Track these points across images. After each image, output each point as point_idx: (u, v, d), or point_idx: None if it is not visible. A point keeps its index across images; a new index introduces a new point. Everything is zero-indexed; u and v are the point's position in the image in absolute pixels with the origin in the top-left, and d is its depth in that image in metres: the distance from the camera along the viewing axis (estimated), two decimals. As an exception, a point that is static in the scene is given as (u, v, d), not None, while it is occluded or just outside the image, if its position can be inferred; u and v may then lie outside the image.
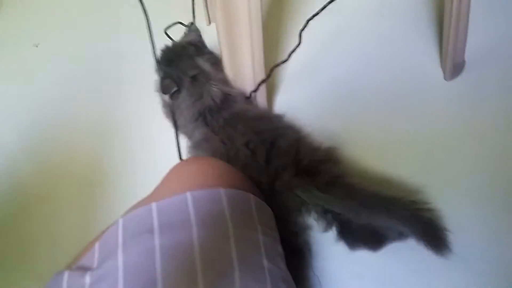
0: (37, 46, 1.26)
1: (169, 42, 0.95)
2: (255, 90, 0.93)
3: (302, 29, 0.80)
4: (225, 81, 0.88)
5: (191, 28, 0.91)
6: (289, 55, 0.88)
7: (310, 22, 0.84)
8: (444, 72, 1.01)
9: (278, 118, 0.88)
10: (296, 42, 0.86)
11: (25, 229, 0.88)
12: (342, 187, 0.74)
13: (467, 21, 0.93)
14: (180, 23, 0.95)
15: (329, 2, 0.76)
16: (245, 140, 0.77)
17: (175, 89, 0.83)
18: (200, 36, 0.92)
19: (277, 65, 0.91)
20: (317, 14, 0.77)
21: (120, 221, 0.55)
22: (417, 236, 0.69)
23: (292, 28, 1.16)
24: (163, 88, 0.83)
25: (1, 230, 0.88)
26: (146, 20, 0.85)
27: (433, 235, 0.69)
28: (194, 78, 0.83)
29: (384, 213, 0.69)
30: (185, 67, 0.83)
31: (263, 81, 0.93)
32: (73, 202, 0.91)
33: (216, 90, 0.84)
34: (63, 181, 0.95)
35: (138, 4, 0.83)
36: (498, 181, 0.81)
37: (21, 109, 1.11)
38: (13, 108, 1.11)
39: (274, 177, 0.74)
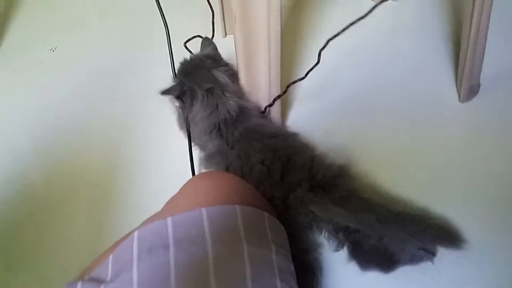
0: (53, 51, 1.27)
1: (187, 55, 0.96)
2: (270, 105, 0.94)
3: (322, 49, 0.80)
4: (241, 94, 0.88)
5: (205, 42, 0.92)
6: (307, 73, 0.88)
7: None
8: (459, 94, 1.01)
9: (293, 135, 0.89)
10: (314, 61, 0.86)
11: (35, 233, 0.88)
12: (358, 201, 0.74)
13: (485, 44, 0.93)
14: (199, 36, 0.96)
15: (352, 24, 0.77)
16: (261, 158, 0.78)
17: (176, 93, 0.83)
18: (215, 48, 0.93)
19: (294, 82, 0.92)
20: (338, 34, 0.77)
21: (135, 234, 0.55)
22: (432, 242, 0.69)
23: (310, 45, 1.17)
24: (167, 90, 0.83)
25: (11, 234, 0.89)
26: (166, 31, 0.85)
27: (447, 234, 0.72)
28: (209, 91, 0.83)
29: (400, 229, 0.69)
30: (201, 79, 0.83)
31: (278, 97, 0.93)
32: (85, 207, 0.92)
33: (232, 103, 0.84)
34: (75, 186, 0.95)
35: (157, 12, 0.84)
36: (509, 202, 0.82)
37: (34, 113, 1.11)
38: (26, 112, 1.12)
39: (288, 192, 0.74)
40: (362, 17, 0.77)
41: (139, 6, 1.35)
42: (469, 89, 0.99)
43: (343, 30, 0.77)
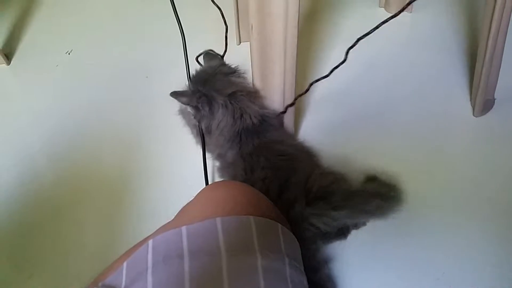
0: (69, 54, 1.29)
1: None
2: (290, 105, 0.93)
3: (351, 47, 0.79)
4: (261, 100, 0.88)
5: (208, 56, 0.92)
6: (331, 71, 0.86)
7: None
8: (473, 108, 1.00)
9: (303, 153, 0.88)
10: (328, 70, 0.86)
11: (47, 238, 0.89)
12: (357, 194, 0.76)
13: (501, 60, 0.93)
14: (211, 51, 0.96)
15: (367, 34, 0.77)
16: (263, 175, 0.79)
17: (193, 102, 0.83)
18: (220, 58, 0.93)
19: (318, 80, 0.90)
20: (367, 34, 0.76)
21: (150, 243, 0.55)
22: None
23: (324, 55, 1.17)
24: (181, 93, 0.83)
25: (23, 238, 0.89)
26: (182, 38, 0.85)
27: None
28: (232, 96, 0.83)
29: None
30: (220, 85, 0.83)
31: (301, 94, 0.92)
32: (97, 213, 0.92)
33: (255, 108, 0.84)
34: (87, 191, 0.96)
35: (172, 17, 0.84)
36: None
37: (49, 117, 1.12)
38: (41, 115, 1.13)
39: (287, 208, 0.74)
40: (377, 27, 0.76)
41: (154, 10, 1.36)
42: (483, 104, 0.98)
43: (362, 37, 0.76)
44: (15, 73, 1.27)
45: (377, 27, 0.76)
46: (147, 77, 1.18)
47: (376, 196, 0.74)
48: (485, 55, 0.91)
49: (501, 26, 0.87)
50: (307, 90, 0.92)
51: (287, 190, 0.77)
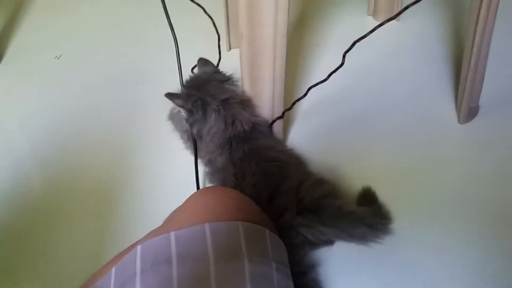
0: (58, 58, 1.29)
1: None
2: (279, 118, 0.94)
3: (347, 51, 0.80)
4: (253, 107, 0.89)
5: (201, 61, 0.93)
6: (329, 75, 0.87)
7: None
8: (458, 115, 1.02)
9: (292, 160, 0.89)
10: (318, 78, 0.88)
11: (37, 242, 0.89)
12: (346, 216, 0.76)
13: (485, 67, 0.95)
14: (203, 59, 0.97)
15: (356, 42, 0.78)
16: (254, 181, 0.79)
17: (188, 105, 0.83)
18: (215, 66, 0.94)
19: (315, 85, 0.90)
20: (363, 37, 0.78)
21: (139, 248, 0.56)
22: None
23: (312, 63, 1.19)
24: (175, 95, 0.83)
25: (13, 242, 0.89)
26: (175, 44, 0.85)
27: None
28: (225, 102, 0.84)
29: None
30: (214, 91, 0.84)
31: (299, 99, 0.94)
32: (87, 216, 0.92)
33: (247, 115, 0.85)
34: (77, 195, 0.96)
35: (163, 23, 0.84)
36: (499, 224, 0.83)
37: (38, 120, 1.12)
38: (30, 119, 1.13)
39: (277, 215, 0.75)
40: (366, 35, 0.78)
41: (145, 15, 1.36)
42: (468, 111, 1.00)
43: (358, 40, 0.78)
44: (5, 75, 1.26)
45: (368, 33, 0.77)
46: (137, 82, 1.19)
47: (364, 223, 0.75)
48: (469, 63, 0.93)
49: (485, 34, 0.89)
50: (305, 94, 0.93)
51: (277, 197, 0.78)
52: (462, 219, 0.85)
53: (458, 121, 1.02)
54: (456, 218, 0.85)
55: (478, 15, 0.86)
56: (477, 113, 1.02)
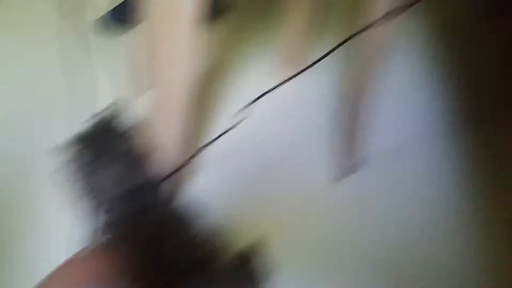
0: None
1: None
2: (174, 172, 0.95)
3: (237, 113, 0.84)
4: (144, 162, 0.88)
5: (110, 108, 0.92)
6: (219, 136, 0.90)
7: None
8: (337, 171, 1.10)
9: (176, 216, 0.89)
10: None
11: None
12: (217, 280, 0.76)
13: (365, 124, 1.05)
14: (113, 105, 0.96)
15: (260, 97, 0.83)
16: (131, 244, 0.77)
17: (78, 156, 0.80)
18: (119, 115, 0.93)
19: (206, 145, 0.93)
20: (258, 99, 0.82)
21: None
22: None
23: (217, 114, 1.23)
24: (67, 147, 0.80)
25: None
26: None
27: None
28: (118, 157, 0.82)
29: None
30: (110, 145, 0.82)
31: (190, 159, 0.94)
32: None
33: (142, 171, 0.84)
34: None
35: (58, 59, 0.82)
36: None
37: None
38: None
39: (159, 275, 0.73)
40: (260, 97, 0.83)
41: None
42: (346, 167, 1.09)
43: (255, 100, 0.83)
44: None
45: (258, 98, 0.83)
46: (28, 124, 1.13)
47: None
48: (347, 119, 1.04)
49: (363, 95, 1.00)
50: (193, 156, 0.95)
51: (159, 258, 0.76)
52: (348, 273, 0.91)
53: (336, 177, 1.09)
54: (345, 271, 0.91)
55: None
56: (359, 167, 1.11)
